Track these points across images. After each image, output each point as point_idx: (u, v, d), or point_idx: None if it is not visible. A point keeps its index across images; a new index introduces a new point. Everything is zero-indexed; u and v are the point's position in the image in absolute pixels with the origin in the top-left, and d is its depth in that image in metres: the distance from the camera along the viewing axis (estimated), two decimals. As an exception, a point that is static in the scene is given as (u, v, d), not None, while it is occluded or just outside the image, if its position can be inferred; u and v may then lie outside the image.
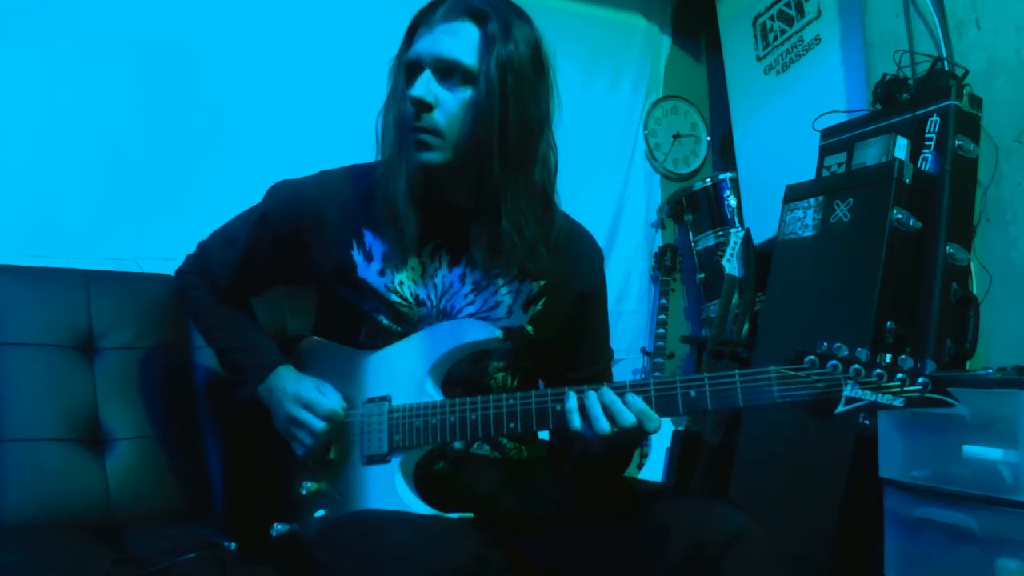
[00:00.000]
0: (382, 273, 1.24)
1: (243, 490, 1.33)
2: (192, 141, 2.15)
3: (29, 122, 1.96)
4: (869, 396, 1.01)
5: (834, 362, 1.02)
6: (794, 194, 2.15)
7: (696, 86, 3.22)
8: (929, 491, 1.58)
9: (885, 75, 2.13)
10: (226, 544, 1.23)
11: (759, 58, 2.80)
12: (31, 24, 1.97)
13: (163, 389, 1.64)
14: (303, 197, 1.28)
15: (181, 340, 1.68)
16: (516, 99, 1.14)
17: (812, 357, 1.03)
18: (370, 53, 1.51)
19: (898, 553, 1.66)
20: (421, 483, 1.19)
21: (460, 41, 1.14)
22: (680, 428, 2.60)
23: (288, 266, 1.32)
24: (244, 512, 1.31)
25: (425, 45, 1.16)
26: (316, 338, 1.34)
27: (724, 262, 2.57)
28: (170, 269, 1.47)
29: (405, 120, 1.16)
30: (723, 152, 3.13)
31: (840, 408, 1.02)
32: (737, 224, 2.76)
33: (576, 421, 1.08)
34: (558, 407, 1.10)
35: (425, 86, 1.14)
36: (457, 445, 1.27)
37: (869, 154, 2.07)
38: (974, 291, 1.94)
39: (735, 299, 2.56)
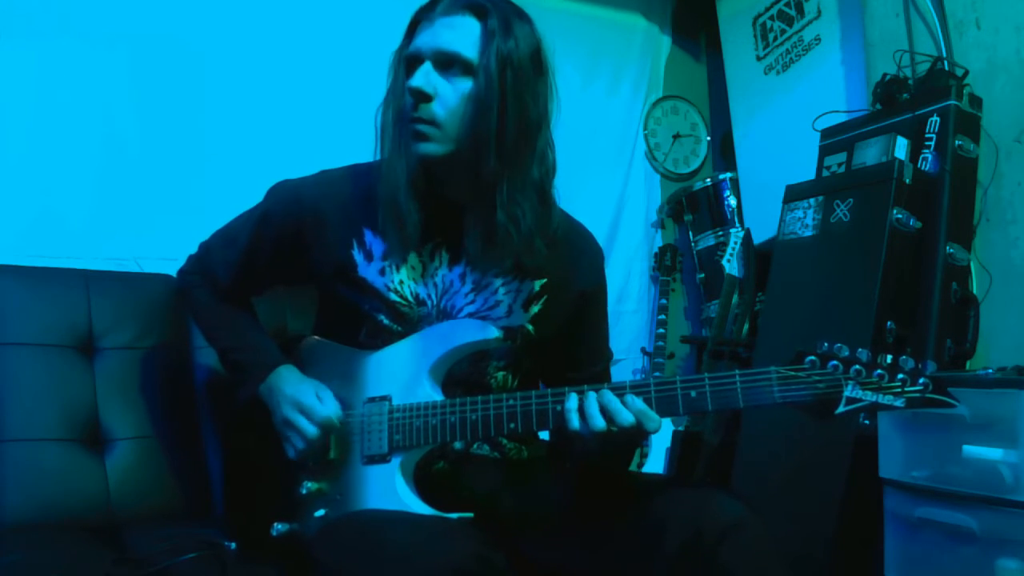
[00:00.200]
0: (382, 272, 1.24)
1: (243, 490, 1.33)
2: (192, 141, 2.15)
3: (29, 122, 1.96)
4: (870, 396, 1.01)
5: (835, 362, 1.02)
6: (794, 194, 2.15)
7: (696, 86, 3.22)
8: (929, 491, 1.58)
9: (885, 75, 2.13)
10: (226, 544, 1.23)
11: (759, 58, 2.80)
12: (31, 24, 1.97)
13: (163, 389, 1.64)
14: (303, 197, 1.28)
15: (181, 340, 1.68)
16: (515, 94, 1.14)
17: (813, 357, 1.03)
18: (370, 52, 1.51)
19: (898, 553, 1.66)
20: (421, 483, 1.19)
21: (460, 34, 1.15)
22: (680, 428, 2.60)
23: (289, 266, 1.32)
24: (244, 512, 1.31)
25: (425, 38, 1.16)
26: (316, 338, 1.34)
27: (724, 262, 2.57)
28: (170, 269, 1.47)
29: (404, 111, 1.16)
30: (723, 152, 3.13)
31: (841, 408, 1.02)
32: (737, 224, 2.76)
33: (576, 421, 1.08)
34: (558, 407, 1.10)
35: (424, 77, 1.14)
36: (457, 445, 1.27)
37: (869, 154, 2.07)
38: (974, 291, 1.94)
39: (735, 299, 2.56)
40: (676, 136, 3.13)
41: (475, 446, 1.30)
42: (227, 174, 2.13)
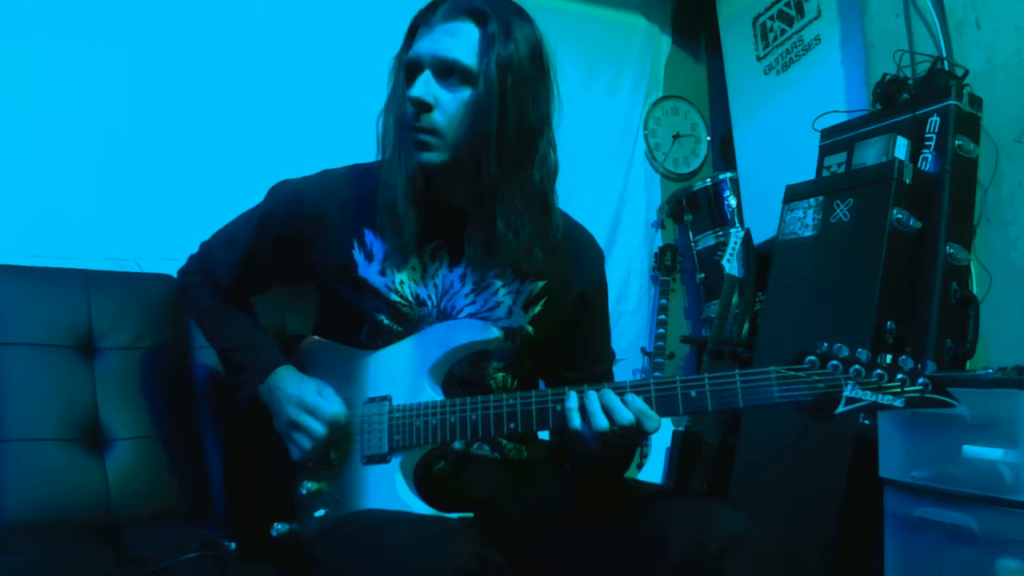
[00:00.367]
0: (383, 273, 1.24)
1: (243, 490, 1.33)
2: (192, 141, 2.15)
3: (29, 122, 1.96)
4: (869, 396, 1.01)
5: (834, 362, 1.02)
6: (794, 194, 2.15)
7: (696, 86, 3.22)
8: (929, 491, 1.58)
9: (885, 75, 2.13)
10: (226, 544, 1.23)
11: (759, 58, 2.80)
12: (31, 24, 1.97)
13: (163, 389, 1.64)
14: (304, 197, 1.28)
15: (181, 340, 1.68)
16: (515, 99, 1.14)
17: (812, 357, 1.03)
18: (370, 53, 1.51)
19: (898, 553, 1.66)
20: (421, 483, 1.19)
21: (460, 41, 1.14)
22: (680, 428, 2.60)
23: (289, 266, 1.32)
24: (244, 512, 1.31)
25: (425, 45, 1.16)
26: (317, 338, 1.34)
27: (724, 262, 2.57)
28: (171, 269, 1.47)
29: (405, 120, 1.16)
30: (723, 152, 3.13)
31: (840, 408, 1.02)
32: (737, 224, 2.76)
33: (576, 420, 1.08)
34: (558, 407, 1.10)
35: (424, 86, 1.14)
36: (457, 445, 1.27)
37: (869, 154, 2.07)
38: (974, 291, 1.94)
39: (735, 299, 2.56)
40: (676, 136, 3.13)
41: (475, 446, 1.30)
42: (228, 174, 2.13)
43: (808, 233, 2.07)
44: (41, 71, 1.98)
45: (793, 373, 1.03)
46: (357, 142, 1.33)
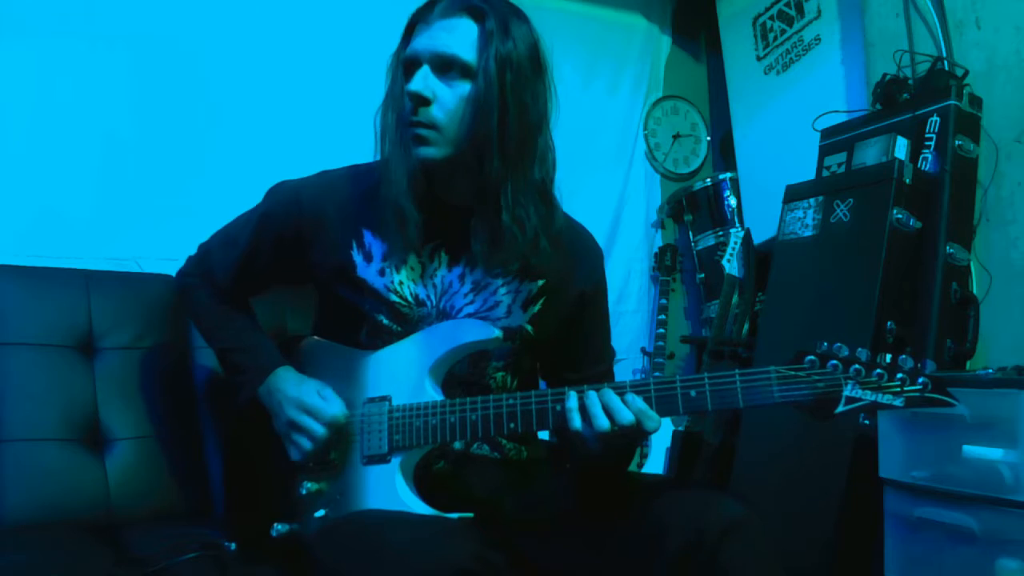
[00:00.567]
0: (382, 273, 1.24)
1: (243, 490, 1.33)
2: (192, 141, 2.15)
3: (29, 122, 1.96)
4: (869, 396, 1.01)
5: (834, 362, 1.02)
6: (794, 194, 2.15)
7: (696, 86, 3.21)
8: (929, 491, 1.58)
9: (885, 75, 2.13)
10: (226, 544, 1.23)
11: (759, 58, 2.80)
12: (31, 24, 1.97)
13: (163, 389, 1.64)
14: (303, 197, 1.28)
15: (181, 340, 1.68)
16: (514, 95, 1.14)
17: (812, 357, 1.03)
18: (369, 53, 1.51)
19: (898, 553, 1.66)
20: (421, 483, 1.19)
21: (458, 37, 1.14)
22: (680, 428, 2.60)
23: (288, 266, 1.32)
24: (244, 512, 1.31)
25: (423, 41, 1.16)
26: (316, 338, 1.34)
27: (724, 262, 2.57)
28: (170, 269, 1.47)
29: (403, 116, 1.16)
30: (723, 152, 3.13)
31: (840, 408, 1.02)
32: (737, 224, 2.76)
33: (576, 420, 1.08)
34: (558, 407, 1.10)
35: (423, 81, 1.14)
36: (457, 445, 1.27)
37: (869, 154, 2.07)
38: (974, 291, 1.94)
39: (735, 299, 2.56)
40: (676, 136, 3.13)
41: (475, 446, 1.30)
42: (227, 174, 2.13)
43: (808, 233, 2.07)
44: (41, 71, 1.98)
45: (793, 373, 1.03)
46: (356, 142, 1.33)
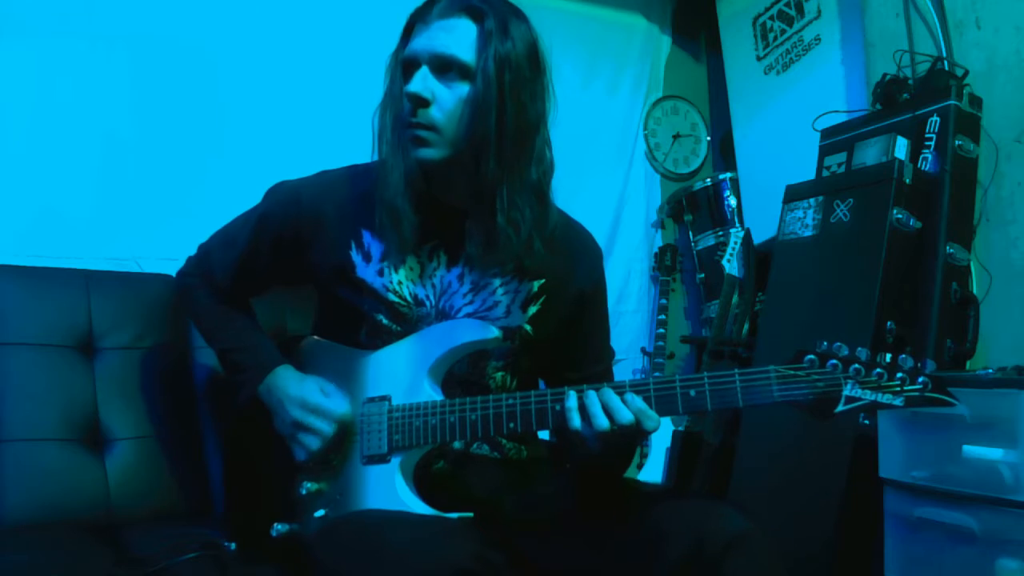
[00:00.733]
0: (381, 273, 1.24)
1: (243, 490, 1.33)
2: (192, 141, 2.15)
3: (29, 122, 1.96)
4: (869, 395, 1.01)
5: (834, 361, 1.02)
6: (794, 194, 2.15)
7: (696, 86, 3.22)
8: (929, 491, 1.58)
9: (885, 75, 2.13)
10: (226, 544, 1.23)
11: (759, 58, 2.80)
12: (31, 24, 1.97)
13: (163, 389, 1.64)
14: (302, 198, 1.28)
15: (181, 340, 1.68)
16: (513, 95, 1.14)
17: (812, 356, 1.03)
18: (369, 53, 1.51)
19: (898, 553, 1.66)
20: (421, 483, 1.19)
21: (457, 37, 1.14)
22: (680, 428, 2.60)
23: (287, 267, 1.32)
24: (244, 512, 1.31)
25: (422, 42, 1.16)
26: (316, 338, 1.34)
27: (724, 262, 2.57)
28: (170, 269, 1.47)
29: (402, 117, 1.16)
30: (723, 152, 3.13)
31: (840, 407, 1.02)
32: (737, 224, 2.76)
33: (576, 420, 1.08)
34: (558, 407, 1.10)
35: (422, 82, 1.14)
36: (457, 445, 1.27)
37: (869, 154, 2.07)
38: (974, 291, 1.94)
39: (735, 299, 2.56)
40: (676, 136, 3.13)
41: (475, 446, 1.30)
42: (227, 174, 2.14)
43: (808, 233, 2.07)
44: (41, 71, 1.98)
45: (793, 372, 1.03)
46: (356, 143, 1.33)
